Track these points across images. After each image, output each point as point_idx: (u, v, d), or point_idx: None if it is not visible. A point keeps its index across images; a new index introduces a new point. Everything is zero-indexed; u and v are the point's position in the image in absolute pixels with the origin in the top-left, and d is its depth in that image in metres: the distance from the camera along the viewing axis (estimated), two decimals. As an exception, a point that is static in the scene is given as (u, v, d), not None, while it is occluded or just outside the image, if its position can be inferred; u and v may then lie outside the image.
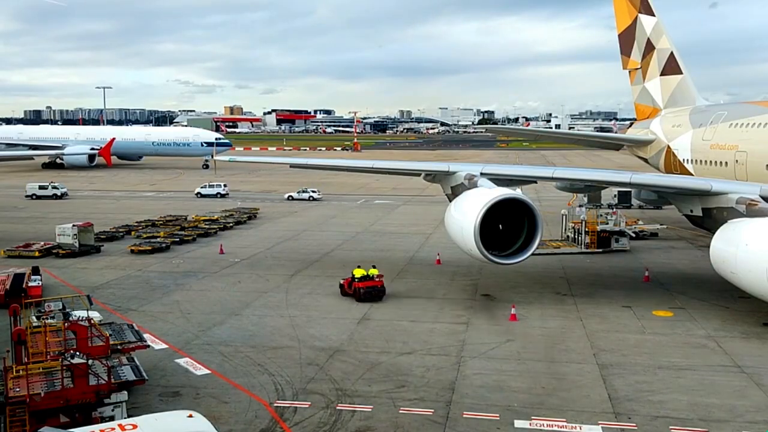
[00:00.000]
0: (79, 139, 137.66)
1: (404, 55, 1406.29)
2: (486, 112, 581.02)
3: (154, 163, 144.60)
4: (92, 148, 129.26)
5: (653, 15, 68.17)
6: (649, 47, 68.51)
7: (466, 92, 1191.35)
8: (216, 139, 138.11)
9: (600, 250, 51.19)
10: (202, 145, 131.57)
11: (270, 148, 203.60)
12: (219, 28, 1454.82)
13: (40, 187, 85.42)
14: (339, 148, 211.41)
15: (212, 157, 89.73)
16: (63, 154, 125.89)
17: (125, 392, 22.17)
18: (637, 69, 71.40)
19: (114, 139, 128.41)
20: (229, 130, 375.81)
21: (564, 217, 56.32)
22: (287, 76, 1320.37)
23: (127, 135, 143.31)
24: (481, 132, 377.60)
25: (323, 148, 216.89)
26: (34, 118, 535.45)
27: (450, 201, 41.22)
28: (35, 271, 40.05)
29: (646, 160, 67.38)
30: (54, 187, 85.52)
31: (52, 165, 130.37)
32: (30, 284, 37.91)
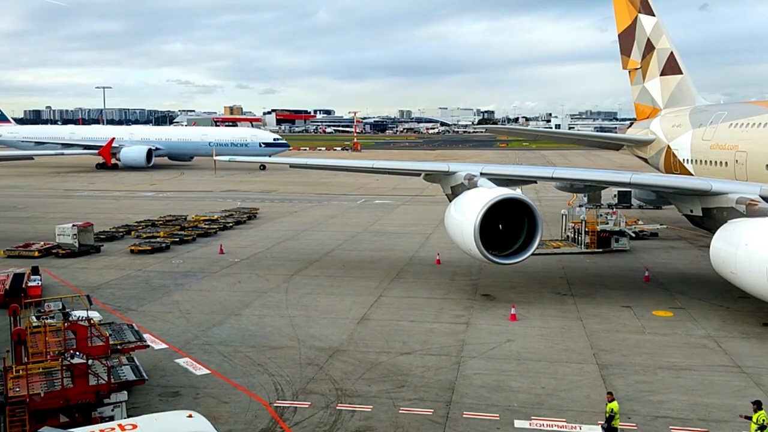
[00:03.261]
0: (133, 139, 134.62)
1: (407, 55, 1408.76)
2: (486, 112, 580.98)
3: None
4: (156, 148, 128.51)
5: (653, 15, 68.06)
6: (649, 47, 68.36)
7: (467, 92, 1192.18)
8: (274, 139, 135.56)
9: (600, 250, 51.08)
10: (260, 146, 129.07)
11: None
12: (228, 29, 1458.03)
13: None
14: (339, 148, 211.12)
15: (213, 156, 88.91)
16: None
17: (125, 392, 22.08)
18: (637, 69, 71.21)
19: (114, 138, 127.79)
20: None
21: (564, 217, 56.17)
22: (290, 76, 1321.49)
23: (182, 135, 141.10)
24: (481, 132, 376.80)
25: (323, 148, 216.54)
26: (34, 117, 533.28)
27: (450, 201, 41.15)
28: (35, 271, 39.91)
29: (646, 160, 67.22)
30: None
31: (105, 166, 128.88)
32: (30, 284, 37.75)
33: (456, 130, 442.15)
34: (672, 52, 66.61)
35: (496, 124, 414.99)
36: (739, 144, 50.33)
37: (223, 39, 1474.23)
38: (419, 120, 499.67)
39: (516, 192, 37.92)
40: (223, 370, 27.46)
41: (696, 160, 56.56)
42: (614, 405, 21.68)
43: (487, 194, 36.32)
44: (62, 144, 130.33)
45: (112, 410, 21.51)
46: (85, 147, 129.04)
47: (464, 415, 23.39)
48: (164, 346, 30.30)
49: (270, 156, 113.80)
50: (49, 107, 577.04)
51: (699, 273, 43.70)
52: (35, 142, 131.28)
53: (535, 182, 57.95)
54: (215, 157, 63.39)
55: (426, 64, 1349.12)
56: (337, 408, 23.93)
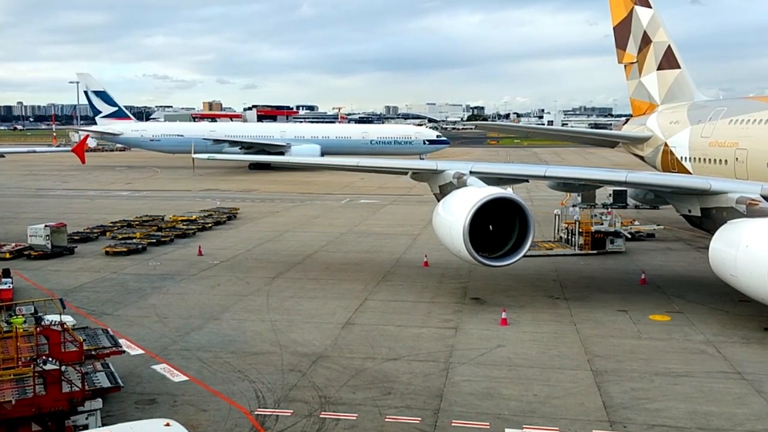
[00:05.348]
0: (285, 137, 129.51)
1: (396, 49, 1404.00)
2: (475, 107, 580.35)
3: (132, 161, 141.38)
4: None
5: (650, 7, 67.31)
6: (646, 40, 67.71)
7: (456, 87, 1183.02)
8: (437, 136, 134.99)
9: (594, 251, 50.35)
10: (424, 143, 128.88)
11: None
12: (213, 21, 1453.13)
13: None
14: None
15: (192, 154, 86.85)
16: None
17: (100, 400, 21.65)
18: (633, 63, 70.61)
19: (88, 135, 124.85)
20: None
21: (557, 217, 55.58)
22: (273, 70, 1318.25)
23: (340, 133, 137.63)
24: (471, 128, 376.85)
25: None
26: (5, 114, 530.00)
27: (438, 201, 40.44)
28: (6, 273, 38.69)
29: (642, 158, 66.73)
30: None
31: (258, 166, 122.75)
32: (0, 287, 36.74)
33: (444, 126, 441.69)
34: (669, 46, 65.95)
35: (486, 120, 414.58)
36: (740, 141, 49.79)
37: (208, 32, 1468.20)
38: (406, 116, 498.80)
39: (507, 191, 37.30)
40: (202, 376, 26.83)
41: (694, 158, 56.03)
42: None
43: (477, 194, 35.58)
44: (230, 142, 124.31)
45: (87, 418, 21.14)
46: (243, 146, 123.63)
47: (453, 424, 22.82)
48: (141, 351, 29.61)
49: (427, 155, 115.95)
50: (21, 103, 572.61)
51: (697, 275, 43.12)
52: (213, 141, 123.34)
53: (527, 181, 57.17)
54: (193, 155, 62.20)
55: (415, 58, 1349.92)
56: (321, 416, 23.33)
